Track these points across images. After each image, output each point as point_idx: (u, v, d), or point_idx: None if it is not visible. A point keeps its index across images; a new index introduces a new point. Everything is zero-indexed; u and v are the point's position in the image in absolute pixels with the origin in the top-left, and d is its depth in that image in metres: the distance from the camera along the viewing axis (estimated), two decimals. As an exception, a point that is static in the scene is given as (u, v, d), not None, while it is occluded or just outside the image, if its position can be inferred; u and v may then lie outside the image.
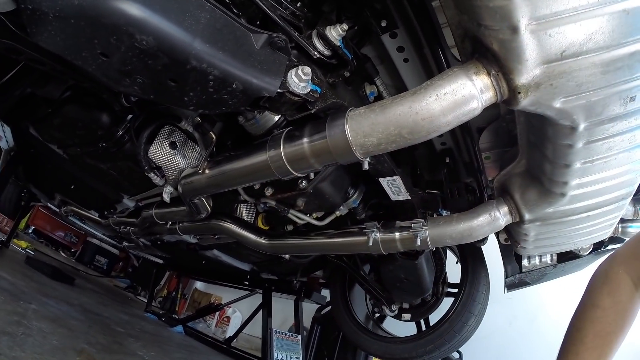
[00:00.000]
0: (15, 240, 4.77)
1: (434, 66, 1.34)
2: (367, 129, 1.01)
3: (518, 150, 1.33)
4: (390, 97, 0.99)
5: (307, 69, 1.01)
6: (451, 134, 1.70)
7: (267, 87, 0.99)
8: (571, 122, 0.94)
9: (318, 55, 1.09)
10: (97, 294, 4.54)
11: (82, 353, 2.11)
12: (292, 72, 1.02)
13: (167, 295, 6.34)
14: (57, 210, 3.80)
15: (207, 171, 1.54)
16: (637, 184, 1.27)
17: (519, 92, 0.86)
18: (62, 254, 6.51)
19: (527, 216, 1.36)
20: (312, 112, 1.12)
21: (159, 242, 3.38)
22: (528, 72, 0.83)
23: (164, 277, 6.34)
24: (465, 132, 1.54)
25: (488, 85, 0.89)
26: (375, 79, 1.44)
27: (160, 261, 4.95)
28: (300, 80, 1.02)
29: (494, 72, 0.88)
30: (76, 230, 6.30)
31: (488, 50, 0.86)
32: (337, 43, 1.08)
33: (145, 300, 5.24)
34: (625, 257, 1.09)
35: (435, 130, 0.93)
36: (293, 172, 1.22)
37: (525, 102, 0.88)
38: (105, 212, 3.05)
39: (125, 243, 4.20)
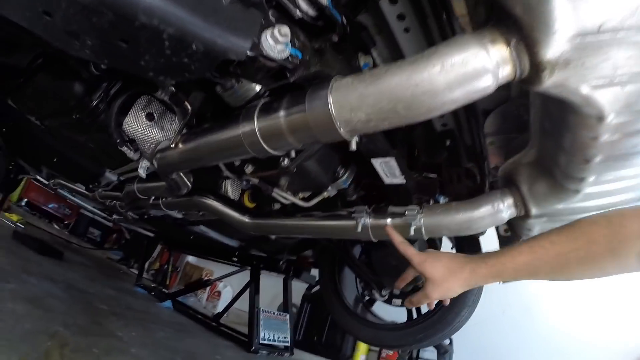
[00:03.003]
0: (6, 214, 4.65)
1: (438, 38, 1.18)
2: (354, 102, 0.84)
3: (527, 138, 1.18)
4: (385, 65, 0.82)
5: (285, 29, 0.84)
6: (453, 114, 1.54)
7: (234, 49, 0.83)
8: (598, 112, 0.78)
9: (301, 15, 0.92)
10: (86, 267, 4.44)
11: (55, 337, 1.99)
12: (267, 32, 0.85)
13: (160, 268, 6.27)
14: (47, 182, 3.71)
15: (180, 145, 1.40)
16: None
17: (544, 70, 0.69)
18: (56, 227, 6.41)
19: (533, 211, 1.22)
20: (291, 81, 0.95)
21: (146, 216, 3.28)
22: (557, 44, 0.67)
23: (155, 249, 6.26)
24: (470, 113, 1.39)
25: (506, 57, 0.72)
26: (372, 49, 1.28)
27: (151, 234, 4.86)
28: (276, 42, 0.85)
29: (514, 41, 0.71)
30: (69, 202, 6.18)
31: (508, 16, 0.70)
32: (325, 2, 0.91)
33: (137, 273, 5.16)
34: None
35: (438, 108, 0.77)
36: (269, 149, 1.06)
37: (549, 83, 0.72)
38: (90, 186, 2.95)
39: (115, 216, 4.11)
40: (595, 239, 0.91)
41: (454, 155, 1.63)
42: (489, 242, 1.91)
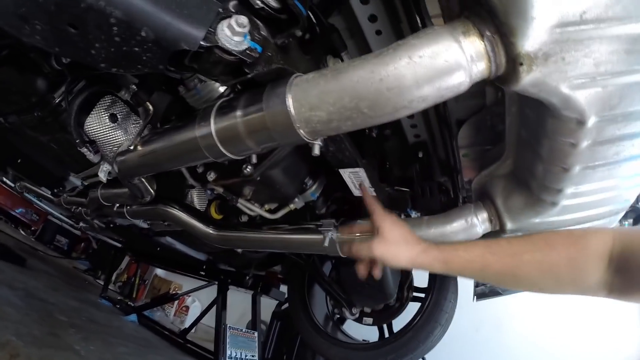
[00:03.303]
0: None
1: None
2: (314, 99, 0.77)
3: (502, 149, 1.13)
4: (349, 60, 0.75)
5: (243, 19, 0.77)
6: (426, 125, 1.50)
7: (186, 38, 0.76)
8: (579, 115, 0.72)
9: (262, 5, 0.84)
10: (49, 276, 4.23)
11: (6, 346, 1.86)
12: (224, 22, 0.77)
13: (127, 280, 6.07)
14: (12, 185, 3.54)
15: (139, 148, 1.30)
16: (634, 199, 1.09)
17: (521, 64, 0.63)
18: (22, 232, 6.14)
19: (509, 225, 1.15)
20: (250, 76, 0.88)
21: (112, 225, 3.15)
22: (535, 35, 0.61)
23: (123, 260, 6.06)
24: (443, 123, 1.34)
25: (480, 51, 0.66)
26: (342, 53, 1.22)
27: (119, 244, 4.70)
28: (233, 33, 0.77)
29: (488, 34, 0.66)
30: (37, 208, 5.94)
31: (482, 6, 0.64)
32: (288, -8, 0.85)
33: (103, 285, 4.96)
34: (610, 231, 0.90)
35: (405, 106, 0.70)
36: (227, 153, 0.97)
37: (527, 80, 0.66)
38: (55, 190, 2.82)
39: (81, 224, 3.95)
40: (554, 245, 0.89)
41: (427, 168, 1.58)
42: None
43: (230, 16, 0.78)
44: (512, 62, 0.65)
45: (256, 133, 0.89)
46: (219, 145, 0.96)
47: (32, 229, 6.45)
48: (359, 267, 1.18)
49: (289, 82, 0.83)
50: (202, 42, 0.78)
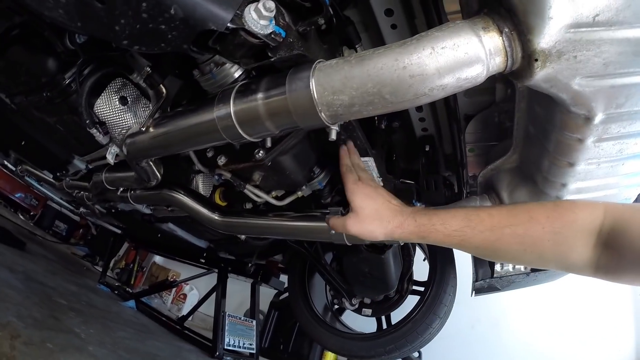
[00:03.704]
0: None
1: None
2: (337, 83, 0.79)
3: (507, 145, 1.17)
4: (373, 48, 0.78)
5: (271, 4, 0.79)
6: (434, 119, 1.52)
7: (215, 19, 0.78)
8: (587, 111, 0.77)
9: (288, -9, 0.88)
10: (48, 261, 4.25)
11: (6, 327, 1.88)
12: (252, 6, 0.79)
13: (125, 266, 6.09)
14: (13, 169, 3.55)
15: (151, 130, 1.33)
16: (634, 198, 1.13)
17: (536, 60, 0.67)
18: (21, 217, 6.15)
19: (512, 218, 1.19)
20: (272, 60, 0.90)
21: (113, 210, 3.16)
22: (551, 33, 0.65)
23: (122, 247, 6.08)
24: (452, 117, 1.37)
25: (498, 46, 0.69)
26: (357, 45, 1.24)
27: (118, 231, 4.71)
28: (260, 16, 0.79)
29: (506, 30, 0.69)
30: (37, 193, 5.95)
31: (501, 3, 0.68)
32: (313, -19, 0.88)
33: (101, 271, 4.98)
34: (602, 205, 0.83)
35: (426, 93, 0.73)
36: (244, 135, 1.00)
37: (540, 75, 0.69)
38: (58, 174, 2.82)
39: (82, 209, 3.95)
40: (538, 218, 0.83)
41: (433, 161, 1.60)
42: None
43: (257, 0, 0.80)
44: (528, 57, 0.69)
45: (276, 115, 0.92)
46: (237, 126, 0.98)
47: (31, 213, 6.46)
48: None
49: (312, 67, 0.86)
50: (229, 24, 0.80)
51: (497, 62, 0.71)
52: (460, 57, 0.69)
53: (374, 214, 1.04)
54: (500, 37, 0.70)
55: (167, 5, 0.76)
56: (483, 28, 0.70)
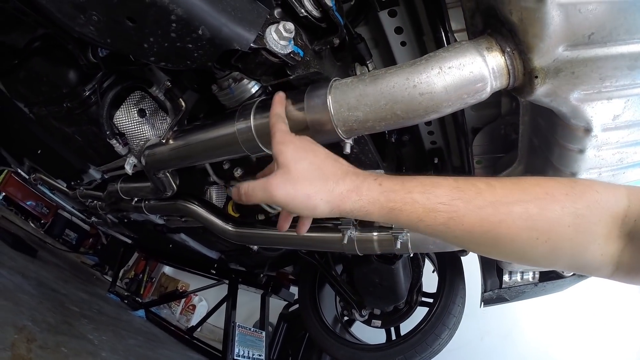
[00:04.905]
0: (-19, 206, 4.51)
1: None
2: (353, 101, 0.85)
3: (514, 157, 1.21)
4: (384, 68, 0.84)
5: (290, 25, 0.86)
6: (443, 132, 1.57)
7: (239, 39, 0.84)
8: (586, 123, 0.81)
9: (305, 14, 0.93)
10: (59, 268, 4.30)
11: (23, 331, 1.92)
12: (272, 27, 0.86)
13: (135, 277, 6.13)
14: (27, 177, 3.62)
15: (170, 141, 1.39)
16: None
17: (536, 77, 0.72)
18: (32, 225, 6.22)
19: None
20: (291, 78, 0.96)
21: (126, 220, 3.21)
22: (549, 52, 0.70)
23: (132, 257, 6.13)
24: (460, 131, 1.41)
25: (501, 64, 0.75)
26: (368, 62, 1.30)
27: (129, 241, 4.76)
28: (280, 37, 0.86)
29: (508, 50, 0.75)
30: (47, 201, 6.03)
31: (503, 24, 0.74)
32: (329, 3, 0.93)
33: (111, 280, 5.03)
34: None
35: (435, 109, 0.78)
36: (263, 147, 1.06)
37: (540, 91, 0.75)
38: (72, 183, 2.88)
39: (93, 218, 4.01)
40: (555, 195, 0.61)
41: (441, 173, 1.64)
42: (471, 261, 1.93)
43: (277, 22, 0.86)
44: (529, 75, 0.74)
45: (294, 130, 0.96)
46: (256, 139, 1.04)
47: (42, 222, 6.52)
48: (279, 222, 0.83)
49: (329, 84, 0.92)
50: (252, 44, 0.86)
51: (500, 80, 0.76)
52: (465, 75, 0.75)
53: (313, 170, 0.70)
54: (503, 57, 0.75)
55: (195, 26, 0.81)
56: (487, 48, 0.76)
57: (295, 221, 0.83)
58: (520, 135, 1.10)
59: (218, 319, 4.04)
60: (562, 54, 0.70)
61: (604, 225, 0.60)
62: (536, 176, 0.67)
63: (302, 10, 0.93)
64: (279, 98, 0.92)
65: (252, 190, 0.72)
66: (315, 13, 0.95)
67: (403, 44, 1.25)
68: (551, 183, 0.64)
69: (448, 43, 1.10)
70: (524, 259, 0.66)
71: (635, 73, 0.73)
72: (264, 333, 3.55)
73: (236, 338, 3.30)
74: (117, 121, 1.64)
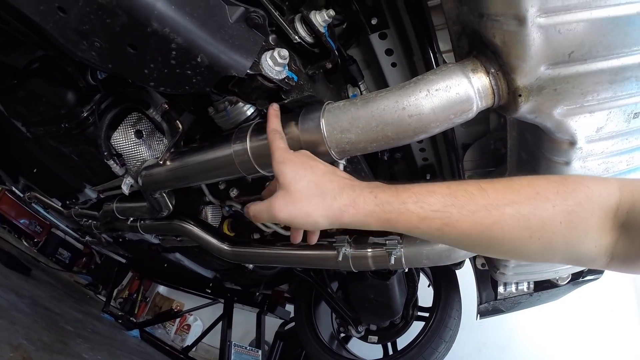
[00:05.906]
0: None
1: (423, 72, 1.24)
2: (345, 123, 0.89)
3: (504, 171, 1.24)
4: (375, 91, 0.88)
5: (285, 52, 0.90)
6: (434, 149, 1.61)
7: (236, 66, 0.88)
8: (570, 137, 0.85)
9: (299, 40, 0.97)
10: (53, 287, 4.27)
11: (18, 349, 1.91)
12: (267, 54, 0.90)
13: (128, 296, 6.07)
14: (21, 195, 3.61)
15: (168, 163, 1.41)
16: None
17: (520, 95, 0.76)
18: (25, 243, 6.17)
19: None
20: (286, 102, 1.00)
21: (120, 240, 3.21)
22: (531, 71, 0.74)
23: (126, 277, 6.08)
24: (451, 147, 1.45)
25: (486, 85, 0.79)
26: (360, 83, 1.34)
27: (123, 260, 4.74)
28: (275, 63, 0.90)
29: (493, 70, 0.79)
30: (41, 219, 5.99)
31: (488, 47, 0.77)
32: (322, 30, 0.97)
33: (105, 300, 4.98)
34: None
35: (423, 130, 0.82)
36: (259, 169, 1.09)
37: (525, 108, 0.78)
38: (67, 202, 2.88)
39: (87, 237, 4.00)
40: (545, 194, 0.65)
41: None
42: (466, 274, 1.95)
43: (272, 48, 0.91)
44: (513, 93, 0.78)
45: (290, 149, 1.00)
46: (252, 161, 1.08)
47: (35, 240, 6.47)
48: (292, 236, 0.88)
49: (322, 108, 0.96)
50: (248, 70, 0.90)
51: (485, 100, 0.80)
52: (452, 97, 0.79)
53: (312, 188, 0.75)
54: (488, 77, 0.79)
55: (194, 54, 0.85)
56: (472, 70, 0.80)
57: (287, 240, 0.89)
58: (508, 150, 1.14)
59: (213, 338, 4.01)
60: (544, 72, 0.74)
61: (596, 218, 0.64)
62: (528, 176, 0.71)
63: (296, 37, 0.97)
64: (274, 111, 0.97)
65: (259, 212, 0.79)
66: (309, 39, 0.99)
67: (394, 65, 1.29)
68: (542, 182, 0.68)
69: (437, 63, 1.14)
70: (520, 256, 0.74)
71: (615, 86, 0.77)
72: (260, 351, 3.53)
73: (232, 357, 3.28)
74: (114, 142, 1.66)
